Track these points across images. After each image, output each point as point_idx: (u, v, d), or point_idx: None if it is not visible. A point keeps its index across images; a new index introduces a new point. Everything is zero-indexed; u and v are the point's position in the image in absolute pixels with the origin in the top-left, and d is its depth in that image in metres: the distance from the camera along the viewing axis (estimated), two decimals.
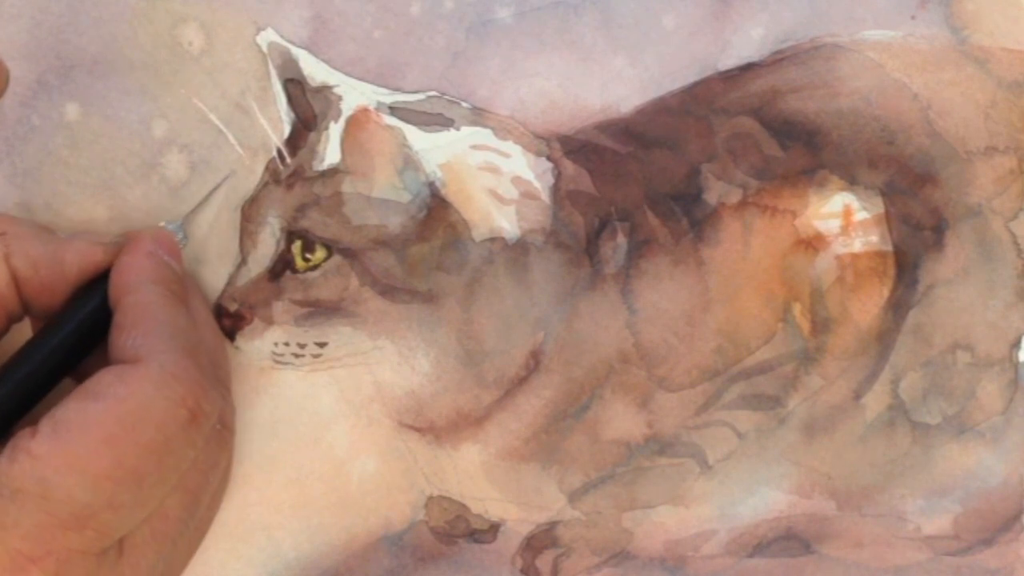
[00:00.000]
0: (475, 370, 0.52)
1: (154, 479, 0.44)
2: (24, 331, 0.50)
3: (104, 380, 0.45)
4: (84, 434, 0.43)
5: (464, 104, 0.52)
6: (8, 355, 0.48)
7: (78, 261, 0.49)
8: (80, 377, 0.46)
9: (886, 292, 0.52)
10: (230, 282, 0.52)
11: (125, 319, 0.47)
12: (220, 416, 0.48)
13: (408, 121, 0.51)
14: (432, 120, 0.52)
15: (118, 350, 0.46)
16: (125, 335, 0.46)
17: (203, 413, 0.46)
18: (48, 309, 0.49)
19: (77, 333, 0.48)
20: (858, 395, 0.53)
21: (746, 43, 0.52)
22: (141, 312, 0.47)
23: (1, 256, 0.48)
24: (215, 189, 0.52)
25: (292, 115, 0.52)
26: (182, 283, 0.50)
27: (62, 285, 0.49)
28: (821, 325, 0.52)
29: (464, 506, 0.54)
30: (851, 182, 0.52)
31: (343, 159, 0.51)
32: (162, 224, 0.51)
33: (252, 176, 0.52)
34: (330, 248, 0.51)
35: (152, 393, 0.44)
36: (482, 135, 0.52)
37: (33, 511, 0.42)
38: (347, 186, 0.51)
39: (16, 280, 0.48)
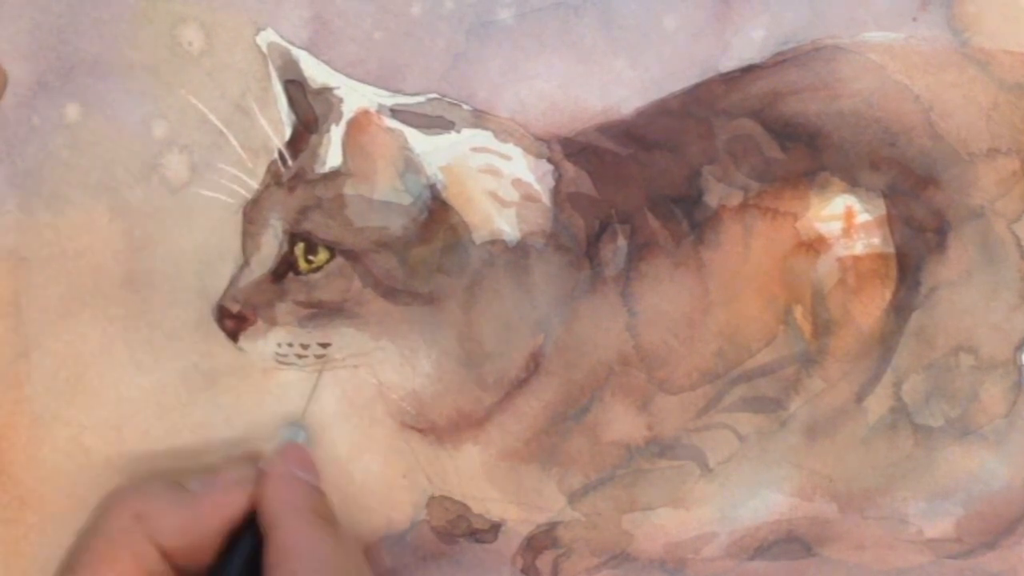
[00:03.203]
0: (476, 372, 0.52)
1: None
2: None
3: None
4: None
5: (465, 106, 0.52)
6: None
7: (218, 514, 0.49)
8: None
9: (888, 294, 0.52)
10: (232, 283, 0.52)
11: (273, 558, 0.48)
12: None
13: (409, 123, 0.51)
14: (433, 123, 0.52)
15: None
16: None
17: None
18: (201, 564, 0.49)
19: None
20: (860, 397, 0.53)
21: (747, 45, 0.52)
22: (288, 549, 0.48)
23: (146, 539, 0.48)
24: (317, 380, 0.53)
25: (293, 117, 0.52)
26: (323, 499, 0.51)
27: (209, 540, 0.49)
28: (823, 327, 0.52)
29: (465, 506, 0.54)
30: (853, 184, 0.52)
31: (345, 162, 0.51)
32: (282, 432, 0.52)
33: (253, 178, 0.52)
34: (332, 250, 0.51)
35: None
36: (482, 137, 0.52)
37: None
38: (349, 188, 0.51)
39: (166, 555, 0.48)
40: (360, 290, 0.51)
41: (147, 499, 0.49)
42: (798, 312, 0.52)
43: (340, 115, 0.51)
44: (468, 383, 0.52)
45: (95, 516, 0.50)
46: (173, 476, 0.52)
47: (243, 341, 0.52)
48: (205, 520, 0.49)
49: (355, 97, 0.52)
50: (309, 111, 0.52)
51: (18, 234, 0.53)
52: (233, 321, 0.52)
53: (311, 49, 0.52)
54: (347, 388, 0.53)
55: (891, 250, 0.52)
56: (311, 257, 0.51)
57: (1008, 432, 0.53)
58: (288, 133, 0.52)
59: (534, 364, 0.52)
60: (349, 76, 0.52)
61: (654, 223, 0.52)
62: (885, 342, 0.52)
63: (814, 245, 0.52)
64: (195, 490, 0.50)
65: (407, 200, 0.51)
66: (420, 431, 0.53)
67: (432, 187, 0.51)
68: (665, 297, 0.52)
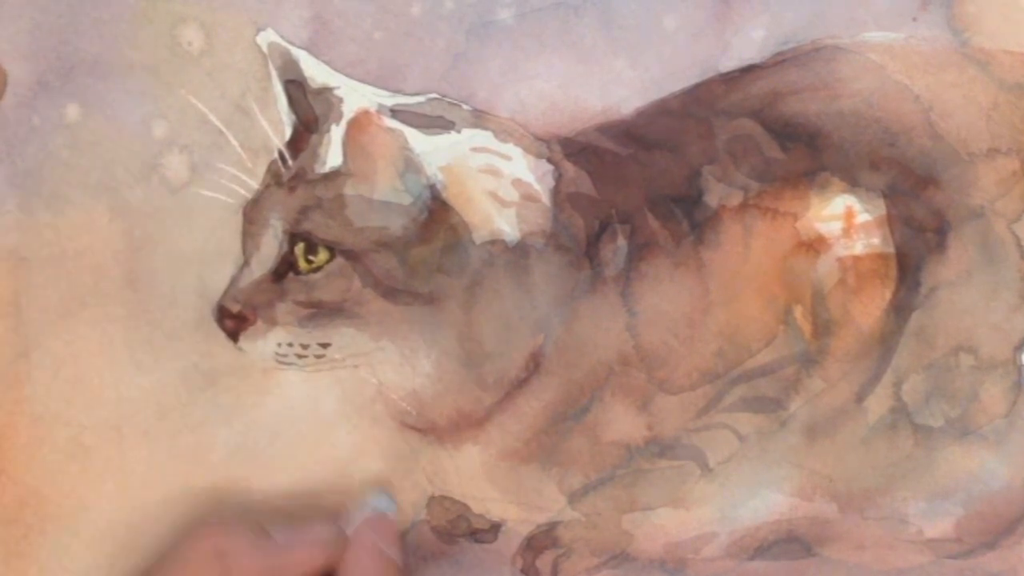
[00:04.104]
0: (476, 372, 0.52)
1: None
2: None
3: None
4: None
5: (465, 106, 0.52)
6: None
7: (297, 568, 0.50)
8: None
9: (888, 294, 0.52)
10: (233, 283, 0.52)
11: None
12: None
13: (409, 123, 0.51)
14: (433, 123, 0.52)
15: None
16: None
17: None
18: None
19: None
20: (860, 397, 0.53)
21: (747, 45, 0.52)
22: None
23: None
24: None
25: (293, 117, 0.52)
26: (400, 573, 0.52)
27: None
28: (823, 328, 0.52)
29: (466, 506, 0.54)
30: (853, 184, 0.52)
31: (345, 162, 0.51)
32: (373, 500, 0.53)
33: (253, 178, 0.52)
34: (332, 250, 0.51)
35: None
36: (482, 137, 0.52)
37: None
38: (349, 189, 0.51)
39: None
40: (360, 290, 0.51)
41: (230, 538, 0.50)
42: (798, 312, 0.52)
43: (340, 115, 0.51)
44: (468, 383, 0.52)
45: (176, 544, 0.50)
46: (258, 518, 0.52)
47: (243, 341, 0.52)
48: (283, 571, 0.49)
49: (355, 97, 0.52)
50: (309, 111, 0.52)
51: (18, 234, 0.53)
52: (233, 321, 0.52)
53: (311, 49, 0.52)
54: (347, 388, 0.53)
55: (891, 250, 0.52)
56: (311, 257, 0.51)
57: (1008, 432, 0.53)
58: (288, 133, 0.52)
59: (534, 364, 0.52)
60: (349, 76, 0.52)
61: (654, 223, 0.52)
62: (885, 342, 0.52)
63: (814, 245, 0.52)
64: (279, 540, 0.50)
65: (407, 200, 0.51)
66: (420, 431, 0.53)
67: (432, 187, 0.51)
68: (665, 297, 0.52)
